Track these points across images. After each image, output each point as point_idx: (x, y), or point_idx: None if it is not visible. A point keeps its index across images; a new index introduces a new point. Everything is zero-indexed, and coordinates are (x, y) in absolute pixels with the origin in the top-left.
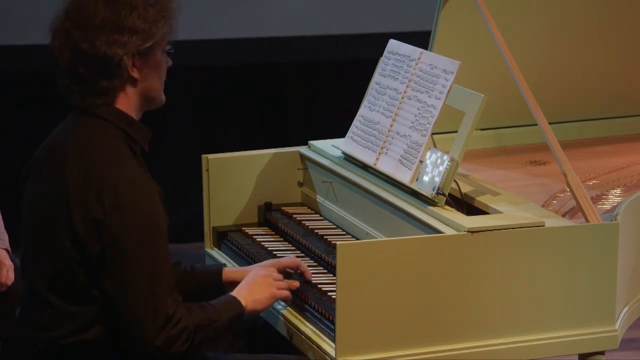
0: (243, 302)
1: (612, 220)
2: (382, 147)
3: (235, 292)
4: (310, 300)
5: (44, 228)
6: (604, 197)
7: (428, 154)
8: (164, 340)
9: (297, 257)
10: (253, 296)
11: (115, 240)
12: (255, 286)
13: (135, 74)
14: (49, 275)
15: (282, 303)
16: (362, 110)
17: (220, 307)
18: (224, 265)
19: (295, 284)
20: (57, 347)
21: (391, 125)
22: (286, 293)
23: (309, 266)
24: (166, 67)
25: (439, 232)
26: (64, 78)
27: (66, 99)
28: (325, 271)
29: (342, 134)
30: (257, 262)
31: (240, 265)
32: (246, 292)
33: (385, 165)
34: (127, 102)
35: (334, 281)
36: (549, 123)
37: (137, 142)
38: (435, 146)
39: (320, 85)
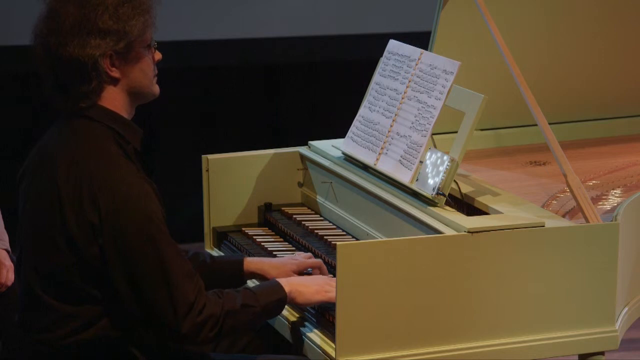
0: (287, 288)
1: (612, 220)
2: (382, 148)
3: (282, 279)
4: None
5: (39, 231)
6: (604, 197)
7: (428, 154)
8: (190, 327)
9: None
10: (299, 287)
11: (117, 242)
12: (307, 280)
13: (115, 73)
14: (46, 278)
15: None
16: (362, 111)
17: (259, 292)
18: (244, 255)
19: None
20: (57, 347)
21: (391, 126)
22: (330, 295)
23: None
24: (153, 61)
25: (439, 232)
26: (46, 83)
27: (52, 102)
28: None
29: (342, 134)
30: None
31: None
32: (294, 281)
33: (385, 166)
34: (114, 101)
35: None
36: (549, 123)
37: (128, 142)
38: (435, 146)
39: (320, 85)
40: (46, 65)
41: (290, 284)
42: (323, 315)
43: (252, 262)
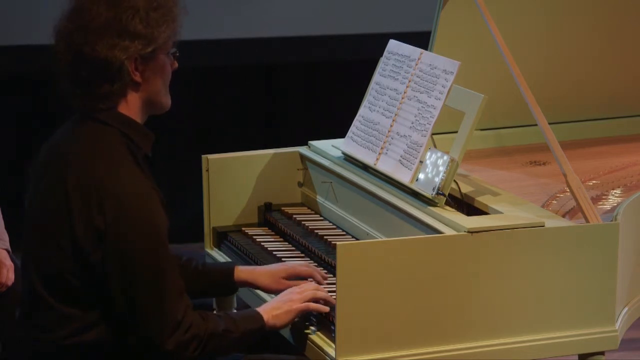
0: (265, 317)
1: (612, 220)
2: (382, 148)
3: (261, 308)
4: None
5: (44, 232)
6: (604, 197)
7: (428, 154)
8: (175, 345)
9: (297, 257)
10: (273, 312)
11: (118, 250)
12: (277, 302)
13: (138, 78)
14: (49, 278)
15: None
16: (362, 111)
17: (239, 318)
18: (236, 263)
19: (320, 294)
20: (57, 348)
21: (391, 126)
22: (304, 306)
23: None
24: (171, 70)
25: (439, 232)
26: (65, 81)
27: (68, 102)
28: (325, 271)
29: (342, 134)
30: (258, 264)
31: None
32: (268, 308)
33: (385, 166)
34: (130, 106)
35: (334, 281)
36: (549, 123)
37: (140, 147)
38: (435, 146)
39: (320, 85)
40: (67, 62)
41: (265, 312)
42: (323, 314)
43: (242, 271)
